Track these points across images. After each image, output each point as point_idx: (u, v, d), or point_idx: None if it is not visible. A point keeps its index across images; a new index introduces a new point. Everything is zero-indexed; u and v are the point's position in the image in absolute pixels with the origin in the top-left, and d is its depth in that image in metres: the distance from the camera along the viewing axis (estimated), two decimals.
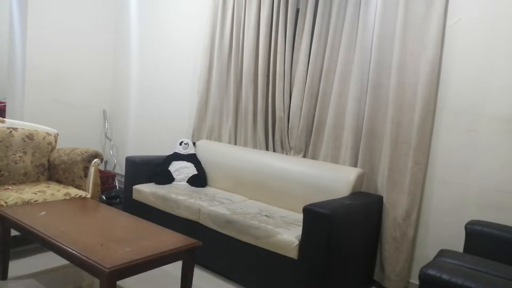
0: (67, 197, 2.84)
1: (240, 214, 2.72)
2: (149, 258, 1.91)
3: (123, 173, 4.11)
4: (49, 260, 2.75)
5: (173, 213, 3.01)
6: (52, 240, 2.01)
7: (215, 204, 2.94)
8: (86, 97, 4.70)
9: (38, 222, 2.22)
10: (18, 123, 3.20)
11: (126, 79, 4.76)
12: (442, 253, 2.06)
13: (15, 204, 2.58)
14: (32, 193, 2.74)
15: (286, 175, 3.04)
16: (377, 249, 2.82)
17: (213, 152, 3.58)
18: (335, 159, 3.02)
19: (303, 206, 2.34)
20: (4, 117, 4.19)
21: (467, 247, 2.18)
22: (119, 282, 2.39)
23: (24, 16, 4.11)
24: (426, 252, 2.67)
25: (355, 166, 2.91)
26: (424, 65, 2.60)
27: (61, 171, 3.15)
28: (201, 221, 2.84)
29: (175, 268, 2.71)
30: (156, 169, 3.48)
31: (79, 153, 3.09)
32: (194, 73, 4.04)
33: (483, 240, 2.14)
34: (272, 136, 3.41)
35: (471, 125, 2.50)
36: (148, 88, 4.53)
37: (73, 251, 1.90)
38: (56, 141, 3.34)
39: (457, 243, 2.51)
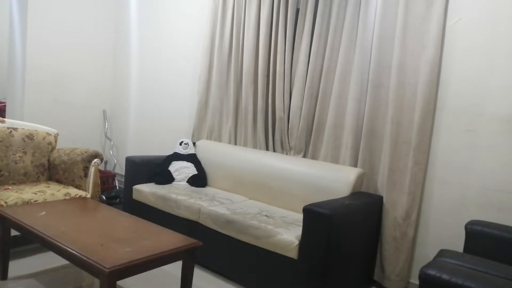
0: (67, 197, 2.84)
1: (240, 214, 2.72)
2: (149, 258, 1.91)
3: (123, 173, 4.11)
4: (49, 260, 2.75)
5: (173, 213, 3.02)
6: (52, 240, 2.01)
7: (215, 204, 2.94)
8: (86, 97, 4.70)
9: (38, 222, 2.22)
10: (18, 123, 3.20)
11: (126, 79, 4.76)
12: (442, 253, 2.06)
13: (15, 204, 2.58)
14: (32, 193, 2.74)
15: (286, 175, 3.04)
16: (377, 249, 2.82)
17: (213, 152, 3.58)
18: (335, 159, 3.02)
19: (303, 206, 2.34)
20: (4, 117, 4.19)
21: (467, 247, 2.18)
22: (119, 282, 2.39)
23: (24, 16, 4.11)
24: (426, 252, 2.68)
25: (355, 166, 2.91)
26: (424, 65, 2.60)
27: (61, 171, 3.15)
28: (201, 221, 2.84)
29: (175, 268, 2.71)
30: (156, 169, 3.48)
31: (79, 153, 3.09)
32: (194, 73, 4.04)
33: (483, 240, 2.14)
34: (272, 136, 3.41)
35: (471, 125, 2.50)
36: (148, 88, 4.53)
37: (73, 251, 1.90)
38: (56, 141, 3.34)
39: (457, 243, 2.51)
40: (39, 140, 3.21)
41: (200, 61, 3.89)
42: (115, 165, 4.77)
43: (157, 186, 3.31)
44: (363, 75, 2.87)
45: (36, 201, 2.68)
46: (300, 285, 2.32)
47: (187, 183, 3.47)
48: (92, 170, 3.05)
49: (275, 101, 3.34)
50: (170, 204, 3.04)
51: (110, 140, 4.88)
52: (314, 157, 3.15)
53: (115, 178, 4.52)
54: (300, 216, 2.79)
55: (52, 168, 3.23)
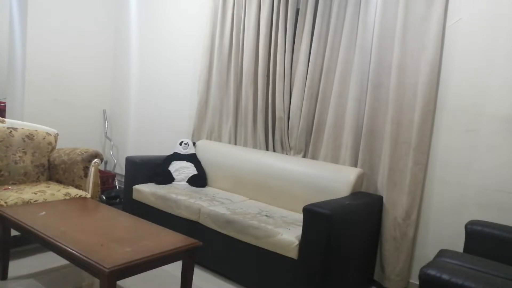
0: (67, 197, 2.84)
1: (240, 214, 2.72)
2: (149, 258, 1.91)
3: (123, 173, 4.11)
4: (49, 260, 2.75)
5: (173, 213, 3.02)
6: (52, 240, 2.01)
7: (215, 204, 2.94)
8: (86, 97, 4.70)
9: (38, 222, 2.22)
10: (18, 123, 3.20)
11: (126, 79, 4.76)
12: (442, 253, 2.07)
13: (15, 204, 2.58)
14: (32, 193, 2.74)
15: (286, 175, 3.04)
16: (377, 249, 2.82)
17: (213, 152, 3.58)
18: (335, 159, 3.02)
19: (303, 206, 2.34)
20: (4, 117, 4.19)
21: (467, 247, 2.18)
22: (119, 282, 2.40)
23: (24, 16, 4.11)
24: (426, 252, 2.68)
25: (355, 166, 2.91)
26: (424, 65, 2.60)
27: (61, 171, 3.15)
28: (201, 221, 2.84)
29: (175, 268, 2.71)
30: (156, 169, 3.49)
31: (79, 153, 3.09)
32: (194, 73, 4.04)
33: (483, 240, 2.14)
34: (272, 136, 3.41)
35: (471, 125, 2.50)
36: (148, 88, 4.53)
37: (73, 251, 1.90)
38: (56, 141, 3.34)
39: (457, 243, 2.51)
40: (39, 140, 3.21)
41: (200, 61, 3.89)
42: (115, 165, 4.77)
43: (157, 186, 3.31)
44: (363, 75, 2.87)
45: (36, 201, 2.68)
46: (300, 285, 2.32)
47: (187, 183, 3.47)
48: (92, 170, 3.05)
49: (275, 101, 3.34)
50: (170, 204, 3.04)
51: (110, 140, 4.88)
52: (314, 157, 3.15)
53: (115, 178, 4.53)
54: (300, 216, 2.79)
55: (52, 168, 3.23)
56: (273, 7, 3.32)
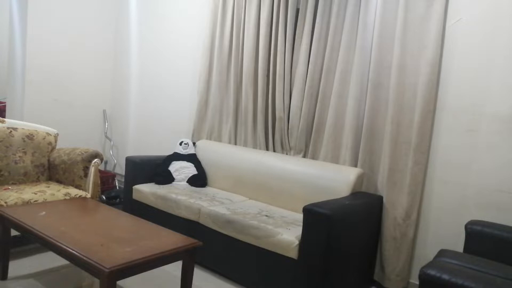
0: (67, 197, 2.84)
1: (240, 214, 2.72)
2: (149, 258, 1.91)
3: (123, 173, 4.11)
4: (49, 260, 2.75)
5: (173, 213, 3.01)
6: (52, 240, 2.01)
7: (215, 204, 2.94)
8: (86, 97, 4.70)
9: (38, 222, 2.22)
10: (18, 123, 3.20)
11: (126, 79, 4.76)
12: (442, 253, 2.07)
13: (15, 204, 2.58)
14: (32, 193, 2.74)
15: (286, 175, 3.04)
16: (377, 249, 2.82)
17: (213, 152, 3.58)
18: (335, 159, 3.02)
19: (303, 206, 2.34)
20: (4, 117, 4.19)
21: (467, 247, 2.18)
22: (119, 282, 2.40)
23: (24, 16, 4.11)
24: (426, 252, 2.67)
25: (355, 166, 2.91)
26: (424, 65, 2.60)
27: (61, 171, 3.15)
28: (201, 221, 2.84)
29: (175, 268, 2.71)
30: (156, 169, 3.49)
31: (79, 153, 3.09)
32: (194, 73, 4.04)
33: (483, 240, 2.14)
34: (272, 136, 3.41)
35: (471, 125, 2.50)
36: (148, 88, 4.53)
37: (73, 251, 1.90)
38: (56, 141, 3.35)
39: (457, 243, 2.51)
40: (39, 140, 3.21)
41: (200, 61, 3.89)
42: (115, 165, 4.77)
43: (157, 186, 3.32)
44: (363, 75, 2.87)
45: (36, 201, 2.68)
46: (300, 285, 2.32)
47: (187, 183, 3.47)
48: (92, 170, 3.05)
49: (275, 101, 3.34)
50: (170, 204, 3.04)
51: (110, 140, 4.88)
52: (314, 157, 3.15)
53: (115, 178, 4.53)
54: (300, 216, 2.79)
55: (52, 168, 3.23)
56: (273, 7, 3.32)
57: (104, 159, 4.83)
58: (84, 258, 1.83)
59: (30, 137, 3.17)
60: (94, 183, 3.04)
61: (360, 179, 2.80)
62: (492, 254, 2.07)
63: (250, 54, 3.45)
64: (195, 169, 3.54)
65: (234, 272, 2.69)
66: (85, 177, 3.06)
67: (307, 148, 3.20)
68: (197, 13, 4.01)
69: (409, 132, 2.68)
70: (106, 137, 4.89)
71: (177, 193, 3.10)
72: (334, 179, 2.81)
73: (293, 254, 2.35)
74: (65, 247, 1.94)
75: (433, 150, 2.64)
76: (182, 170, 3.50)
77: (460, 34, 2.53)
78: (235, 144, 3.65)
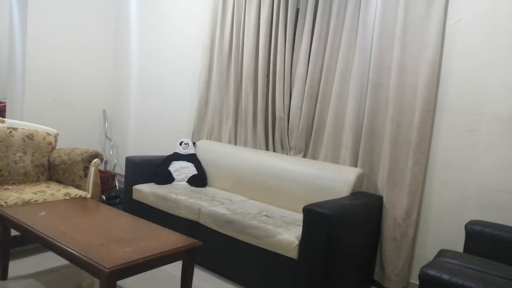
0: (67, 197, 2.84)
1: (240, 214, 2.72)
2: (149, 258, 1.91)
3: (123, 173, 4.11)
4: (49, 260, 2.75)
5: (173, 213, 3.01)
6: (52, 240, 2.01)
7: (215, 204, 2.94)
8: (86, 97, 4.70)
9: (38, 222, 2.22)
10: (18, 123, 3.20)
11: (126, 79, 4.76)
12: (442, 253, 2.07)
13: (15, 204, 2.58)
14: (32, 193, 2.74)
15: (286, 175, 3.04)
16: (377, 249, 2.82)
17: (213, 152, 3.58)
18: (335, 159, 3.02)
19: (303, 206, 2.34)
20: (4, 117, 4.19)
21: (467, 247, 2.18)
22: (119, 282, 2.40)
23: (24, 16, 4.11)
24: (426, 252, 2.67)
25: (355, 166, 2.91)
26: (424, 65, 2.60)
27: (61, 171, 3.15)
28: (201, 221, 2.84)
29: (175, 268, 2.71)
30: (156, 169, 3.49)
31: (79, 153, 3.09)
32: (194, 73, 4.04)
33: (483, 240, 2.14)
34: (272, 136, 3.41)
35: (471, 125, 2.50)
36: (148, 88, 4.53)
37: (73, 251, 1.90)
38: (56, 141, 3.34)
39: (457, 243, 2.51)
40: (39, 140, 3.21)
41: (200, 61, 3.89)
42: (115, 165, 4.77)
43: (157, 186, 3.32)
44: (363, 75, 2.87)
45: (36, 201, 2.68)
46: (300, 285, 2.32)
47: (187, 183, 3.47)
48: (92, 170, 3.05)
49: (275, 101, 3.34)
50: (170, 204, 3.04)
51: (110, 140, 4.88)
52: (314, 157, 3.15)
53: (115, 178, 4.53)
54: (300, 216, 2.79)
55: (52, 168, 3.23)
56: (273, 7, 3.32)
57: (104, 159, 4.83)
58: (84, 258, 1.83)
59: (30, 137, 3.17)
60: (94, 183, 3.04)
61: (360, 179, 2.80)
62: (492, 254, 2.07)
63: (250, 54, 3.45)
64: (195, 169, 3.54)
65: (234, 272, 2.69)
66: (85, 177, 3.06)
67: (307, 148, 3.20)
68: (197, 13, 4.01)
69: (409, 132, 2.68)
70: (106, 137, 4.89)
71: (177, 193, 3.10)
72: (334, 179, 2.81)
73: (293, 254, 2.35)
74: (65, 247, 1.94)
75: (433, 150, 2.64)
76: (182, 170, 3.50)
77: (460, 34, 2.53)
78: (235, 144, 3.65)
